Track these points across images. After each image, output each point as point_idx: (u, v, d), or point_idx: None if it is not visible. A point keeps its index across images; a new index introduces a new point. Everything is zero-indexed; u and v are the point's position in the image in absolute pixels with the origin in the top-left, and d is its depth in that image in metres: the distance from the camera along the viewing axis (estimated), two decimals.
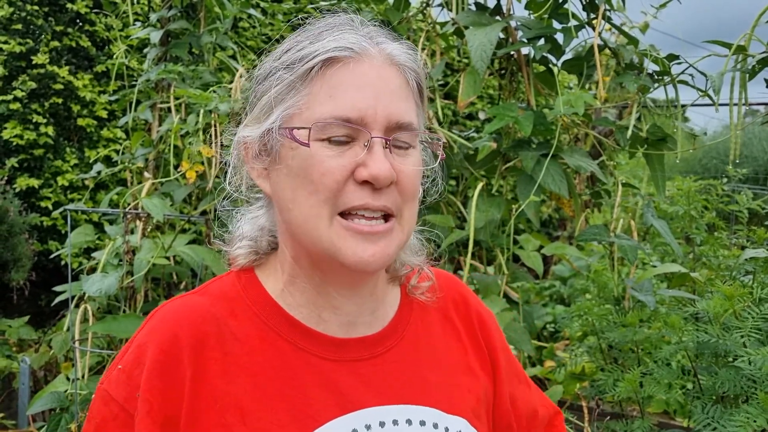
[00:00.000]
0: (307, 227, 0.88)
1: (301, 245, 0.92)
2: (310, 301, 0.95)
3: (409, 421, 0.92)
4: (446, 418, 0.95)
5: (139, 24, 3.35)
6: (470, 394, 1.01)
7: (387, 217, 0.89)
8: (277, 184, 0.92)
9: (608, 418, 2.33)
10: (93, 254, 2.69)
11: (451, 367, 1.02)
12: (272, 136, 0.90)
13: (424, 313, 1.04)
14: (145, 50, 3.15)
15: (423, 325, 1.03)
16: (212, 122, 2.51)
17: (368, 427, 0.90)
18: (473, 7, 2.47)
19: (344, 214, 0.87)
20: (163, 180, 2.71)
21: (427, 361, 0.99)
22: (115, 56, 3.47)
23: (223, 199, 1.02)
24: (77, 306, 2.54)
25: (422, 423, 0.93)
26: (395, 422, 0.91)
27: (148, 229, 2.57)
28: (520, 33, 2.39)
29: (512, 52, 2.46)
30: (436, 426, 0.94)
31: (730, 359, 1.87)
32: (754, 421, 1.57)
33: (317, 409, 0.89)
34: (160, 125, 2.98)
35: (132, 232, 2.55)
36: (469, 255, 2.24)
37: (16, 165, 4.48)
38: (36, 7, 4.56)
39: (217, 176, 2.46)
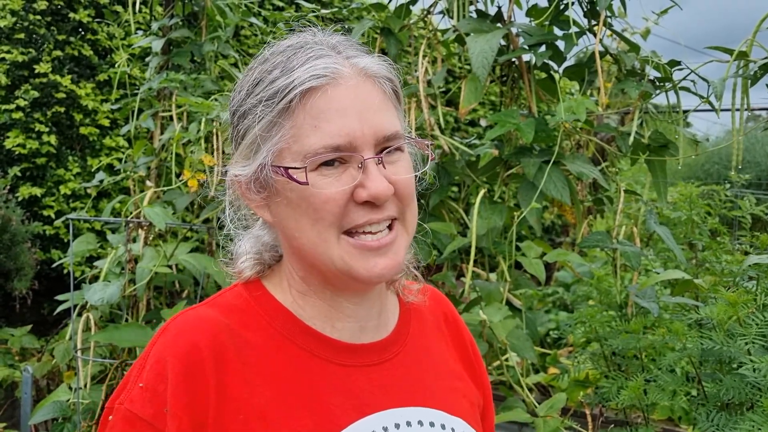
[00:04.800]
0: (317, 251, 0.90)
1: (312, 266, 0.94)
2: (322, 313, 0.97)
3: (420, 422, 0.95)
4: (450, 420, 0.99)
5: (141, 33, 3.36)
6: (465, 399, 1.06)
7: (391, 223, 0.91)
8: (279, 215, 0.93)
9: (612, 425, 2.32)
10: (95, 263, 2.69)
11: (446, 372, 1.06)
12: (265, 173, 0.91)
13: (420, 321, 1.09)
14: (147, 59, 3.16)
15: (421, 332, 1.07)
16: (214, 131, 2.51)
17: (385, 428, 0.92)
18: (474, 15, 2.47)
19: (349, 232, 0.89)
20: (165, 188, 2.71)
21: (427, 367, 1.03)
22: (117, 65, 3.47)
23: (226, 228, 1.04)
24: (79, 315, 2.54)
25: (432, 424, 0.96)
26: (408, 423, 0.94)
27: (150, 238, 2.57)
28: (521, 40, 2.39)
29: (513, 59, 2.46)
30: (444, 427, 0.97)
31: (735, 366, 1.86)
32: (759, 429, 1.56)
33: (337, 413, 0.91)
34: (162, 134, 2.98)
35: (134, 241, 2.55)
36: (471, 262, 2.23)
37: (19, 174, 4.49)
38: (38, 17, 4.58)
39: (218, 184, 2.46)
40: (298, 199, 0.89)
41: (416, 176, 0.95)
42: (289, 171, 0.88)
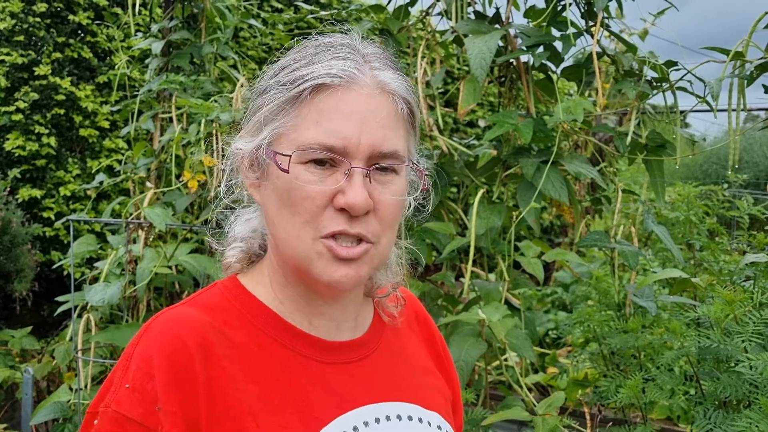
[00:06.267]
0: (289, 243, 0.91)
1: (284, 256, 0.95)
2: (299, 308, 0.98)
3: (399, 417, 0.98)
4: (427, 414, 1.02)
5: (140, 35, 3.37)
6: (439, 393, 1.09)
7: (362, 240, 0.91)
8: (265, 198, 0.95)
9: (611, 424, 2.33)
10: (95, 264, 2.70)
11: (420, 369, 1.09)
12: (261, 153, 0.93)
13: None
14: (147, 61, 3.18)
15: (394, 331, 1.10)
16: (213, 132, 2.53)
17: (366, 423, 0.94)
18: (472, 16, 2.49)
19: (324, 237, 0.89)
20: (165, 190, 2.72)
21: (401, 363, 1.06)
22: (116, 67, 3.49)
23: (217, 204, 1.07)
24: (80, 316, 2.54)
25: (410, 418, 0.99)
26: (388, 418, 0.97)
27: (151, 239, 2.58)
28: (519, 41, 2.41)
29: (512, 60, 2.47)
30: (421, 420, 1.00)
31: (732, 364, 1.87)
32: (756, 426, 1.58)
33: (320, 410, 0.92)
34: (161, 135, 2.99)
35: (134, 242, 2.56)
36: (470, 262, 2.24)
37: (19, 176, 4.49)
38: (38, 19, 4.58)
39: (218, 186, 2.47)
40: (282, 189, 0.90)
41: (408, 202, 0.95)
42: (277, 156, 0.89)
